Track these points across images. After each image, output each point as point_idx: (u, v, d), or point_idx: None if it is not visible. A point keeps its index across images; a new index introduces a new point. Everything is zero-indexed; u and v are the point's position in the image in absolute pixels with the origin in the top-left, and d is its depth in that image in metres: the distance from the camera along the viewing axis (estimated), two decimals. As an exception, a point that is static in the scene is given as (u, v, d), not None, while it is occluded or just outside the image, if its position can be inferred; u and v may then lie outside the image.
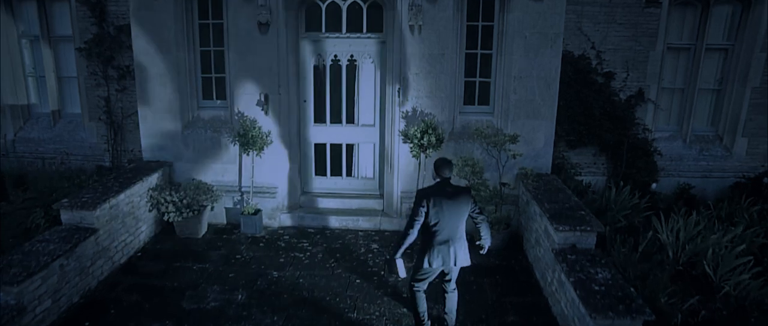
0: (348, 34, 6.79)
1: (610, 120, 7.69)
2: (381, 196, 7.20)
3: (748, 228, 6.50)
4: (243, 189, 6.95)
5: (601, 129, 7.71)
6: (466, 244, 4.27)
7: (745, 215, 6.82)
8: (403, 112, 6.56)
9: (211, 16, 6.85)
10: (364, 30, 6.79)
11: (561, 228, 4.87)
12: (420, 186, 6.52)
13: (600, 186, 7.91)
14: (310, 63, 6.91)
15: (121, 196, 5.78)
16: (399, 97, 6.51)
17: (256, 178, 6.80)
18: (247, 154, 6.58)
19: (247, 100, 6.69)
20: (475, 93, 6.90)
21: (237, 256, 6.12)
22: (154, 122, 6.89)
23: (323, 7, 6.74)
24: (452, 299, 4.49)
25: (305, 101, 7.06)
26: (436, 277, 4.44)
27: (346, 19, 6.77)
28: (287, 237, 6.69)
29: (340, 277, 5.67)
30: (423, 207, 4.08)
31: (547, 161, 6.71)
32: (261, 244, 6.46)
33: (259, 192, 6.90)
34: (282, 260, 6.04)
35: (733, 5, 7.59)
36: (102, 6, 7.92)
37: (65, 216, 5.32)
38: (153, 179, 6.51)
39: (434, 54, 6.35)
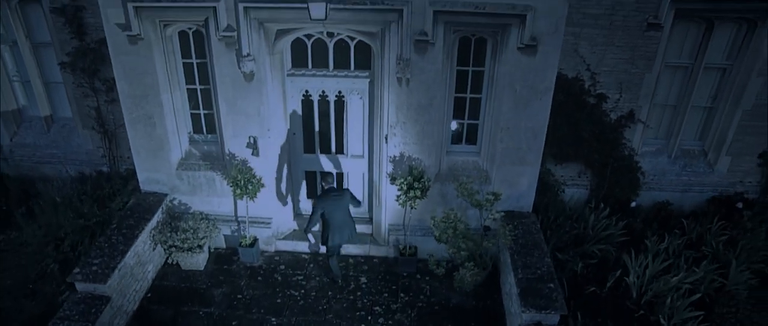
0: (335, 72, 6.64)
1: (598, 141, 7.77)
2: (370, 220, 7.57)
3: (714, 260, 6.98)
4: (239, 219, 7.31)
5: (589, 150, 7.84)
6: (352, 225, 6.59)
7: (713, 244, 7.24)
8: (390, 156, 6.68)
9: (194, 56, 6.64)
10: (352, 67, 6.63)
11: (528, 310, 5.36)
12: (407, 222, 6.93)
13: (584, 199, 8.24)
14: (298, 97, 6.85)
15: (128, 254, 6.18)
16: (386, 143, 6.58)
17: (251, 211, 7.12)
18: (242, 200, 6.83)
19: (237, 141, 6.76)
20: (463, 132, 6.93)
21: (238, 295, 6.69)
22: (148, 159, 7.02)
23: (309, 43, 6.51)
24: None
25: (294, 134, 7.12)
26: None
27: (333, 56, 6.58)
28: (283, 266, 7.20)
29: (331, 323, 6.30)
30: (319, 209, 6.33)
31: (529, 201, 6.97)
32: (259, 278, 7.00)
33: (255, 223, 7.27)
34: (279, 300, 6.62)
35: (738, 24, 7.26)
36: (79, 19, 7.59)
37: (80, 286, 5.79)
38: (153, 221, 6.84)
39: (422, 104, 6.30)
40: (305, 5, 5.58)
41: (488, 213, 6.31)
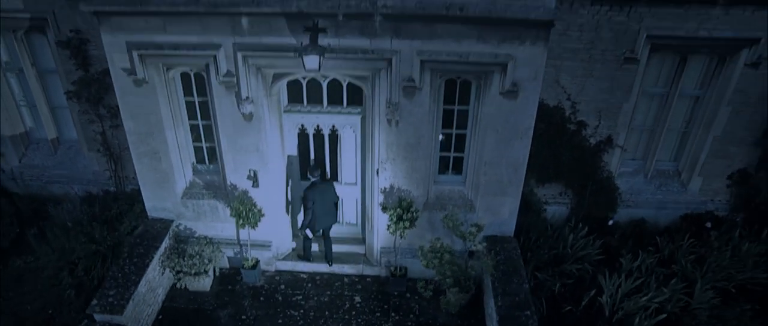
0: (329, 109, 7.05)
1: (578, 165, 8.26)
2: (363, 241, 8.09)
3: (683, 278, 7.55)
4: (241, 243, 7.81)
5: (570, 172, 8.33)
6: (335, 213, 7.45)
7: (682, 262, 7.80)
8: (381, 188, 7.14)
9: (196, 95, 7.02)
10: (345, 104, 7.04)
11: (506, 339, 5.95)
12: (397, 245, 7.45)
13: (565, 216, 8.76)
14: (294, 131, 7.27)
15: (141, 283, 6.69)
16: (377, 176, 7.04)
17: (252, 235, 7.60)
18: (244, 229, 7.31)
19: (238, 174, 7.20)
20: (450, 162, 7.39)
21: (243, 316, 7.23)
22: (154, 190, 7.47)
23: (304, 83, 6.90)
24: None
25: (292, 165, 7.56)
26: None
27: (327, 93, 6.98)
28: (283, 286, 7.74)
29: (327, 347, 6.90)
30: (310, 200, 7.07)
31: (511, 227, 7.48)
32: (261, 298, 7.54)
33: (256, 246, 7.76)
34: (280, 321, 7.18)
35: (709, 56, 7.66)
36: (84, 52, 7.92)
37: (98, 317, 6.32)
38: (162, 248, 7.32)
39: (411, 143, 6.74)
40: (299, 51, 5.96)
41: (471, 242, 6.83)
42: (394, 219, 6.91)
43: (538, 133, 7.53)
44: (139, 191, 7.84)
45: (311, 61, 5.85)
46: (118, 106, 7.82)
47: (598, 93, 7.78)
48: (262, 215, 7.27)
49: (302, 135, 7.32)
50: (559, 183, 8.54)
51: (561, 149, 8.11)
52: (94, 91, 8.18)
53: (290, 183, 7.65)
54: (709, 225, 8.30)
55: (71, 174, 9.18)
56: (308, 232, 7.42)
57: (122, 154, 8.77)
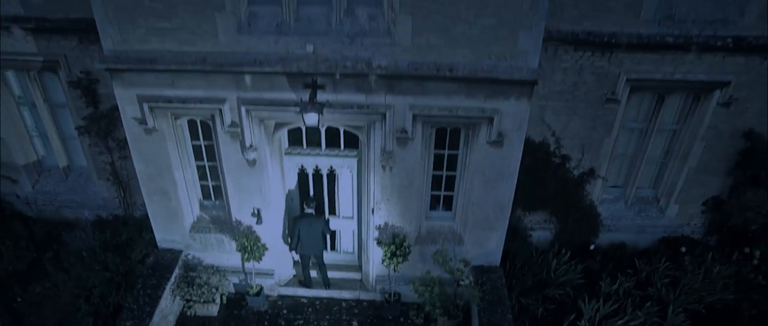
0: (327, 152, 7.54)
1: (562, 195, 8.77)
2: (360, 268, 8.64)
3: (658, 300, 8.14)
4: (246, 272, 8.35)
5: (554, 201, 8.85)
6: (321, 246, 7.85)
7: (658, 285, 8.37)
8: (376, 225, 7.66)
9: (202, 139, 7.47)
10: (342, 147, 7.51)
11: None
12: (391, 274, 8.00)
13: (550, 240, 9.32)
14: (294, 171, 7.76)
15: (155, 314, 7.25)
16: (373, 214, 7.55)
17: (256, 265, 8.14)
18: (249, 262, 7.84)
19: (242, 211, 7.70)
20: (440, 200, 7.90)
21: (249, 342, 7.85)
22: (164, 224, 7.97)
23: (303, 129, 7.36)
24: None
25: (293, 200, 8.07)
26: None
27: (325, 137, 7.44)
28: (285, 311, 8.32)
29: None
30: (296, 229, 7.58)
31: (497, 257, 8.02)
32: (266, 322, 8.12)
33: (260, 274, 8.31)
34: (283, 346, 7.79)
35: (686, 95, 8.12)
36: (94, 91, 8.33)
37: (119, 347, 6.93)
38: (173, 278, 7.86)
39: (404, 185, 7.23)
40: (299, 107, 6.41)
41: (460, 277, 7.39)
42: (389, 255, 7.45)
43: (524, 166, 8.00)
44: (147, 217, 8.32)
45: (311, 117, 6.30)
46: (126, 140, 8.29)
47: (581, 129, 8.25)
48: (266, 249, 7.79)
49: (302, 174, 7.81)
50: (545, 211, 9.07)
51: (546, 180, 8.61)
52: (103, 126, 8.61)
53: (287, 217, 8.14)
54: (683, 249, 8.87)
55: (82, 199, 9.65)
56: (294, 255, 7.97)
57: (130, 183, 9.23)
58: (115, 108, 8.28)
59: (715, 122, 8.11)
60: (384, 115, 6.61)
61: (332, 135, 7.41)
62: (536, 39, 6.09)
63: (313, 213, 7.68)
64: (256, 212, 7.63)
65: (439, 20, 5.98)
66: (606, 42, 7.37)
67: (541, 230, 9.30)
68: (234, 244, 7.96)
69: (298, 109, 6.46)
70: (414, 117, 6.60)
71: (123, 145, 8.67)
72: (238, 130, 6.86)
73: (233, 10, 6.10)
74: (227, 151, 7.13)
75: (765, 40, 7.29)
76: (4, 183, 9.58)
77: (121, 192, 9.38)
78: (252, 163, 7.17)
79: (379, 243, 7.74)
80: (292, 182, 7.88)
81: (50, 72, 8.44)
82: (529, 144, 8.14)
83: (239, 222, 7.82)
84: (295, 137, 7.50)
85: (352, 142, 7.44)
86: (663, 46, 7.39)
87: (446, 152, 7.34)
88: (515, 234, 8.93)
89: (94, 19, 6.27)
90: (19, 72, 8.53)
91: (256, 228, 7.81)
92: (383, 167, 7.06)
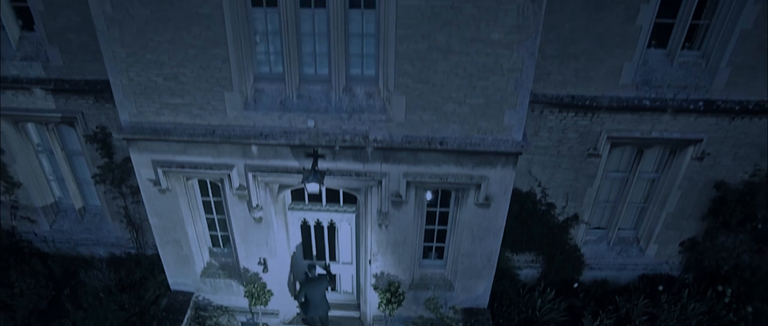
0: (328, 207, 8.11)
1: (548, 238, 9.36)
2: (358, 307, 9.25)
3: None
4: (253, 312, 8.96)
5: (541, 244, 9.44)
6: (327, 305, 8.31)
7: (636, 323, 9.00)
8: (373, 273, 8.26)
9: (211, 195, 8.04)
10: (341, 203, 8.09)
11: None
12: (387, 317, 8.61)
13: (537, 277, 9.93)
14: (297, 224, 8.35)
15: (170, 358, 7.90)
16: (370, 265, 8.15)
17: (263, 307, 8.75)
18: (255, 307, 8.45)
19: (249, 260, 8.29)
20: (432, 249, 8.49)
21: (255, 379, 8.47)
22: (176, 269, 8.56)
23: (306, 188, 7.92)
24: None
25: (295, 251, 8.66)
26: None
27: (326, 194, 8.01)
28: (289, 348, 8.97)
29: None
30: (302, 292, 8.04)
31: (485, 300, 8.63)
32: (271, 360, 8.77)
33: (266, 314, 8.93)
34: (288, 384, 8.42)
35: (662, 148, 8.68)
36: (108, 144, 8.88)
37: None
38: (185, 320, 8.47)
39: (398, 241, 7.82)
40: (302, 174, 6.98)
41: (450, 323, 8.00)
42: (384, 301, 8.05)
43: (512, 213, 8.60)
44: (158, 256, 8.91)
45: (312, 187, 6.86)
46: (138, 186, 8.86)
47: (566, 180, 8.82)
48: (272, 294, 8.40)
49: (304, 226, 8.39)
50: (532, 252, 9.66)
51: (533, 225, 9.19)
52: (117, 175, 9.18)
53: (292, 278, 8.77)
54: (661, 288, 9.48)
55: (97, 238, 10.24)
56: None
57: (142, 224, 9.82)
58: (128, 159, 8.84)
59: (690, 173, 8.68)
60: (380, 181, 7.17)
61: (332, 192, 7.98)
62: (521, 115, 6.64)
63: (316, 275, 8.20)
64: (262, 261, 8.22)
65: (431, 99, 6.53)
66: (588, 105, 7.91)
67: (528, 268, 9.90)
68: (242, 289, 8.56)
69: (301, 177, 7.03)
70: (407, 183, 7.17)
71: (135, 191, 9.24)
72: (246, 192, 7.43)
73: (240, 88, 6.65)
74: (235, 209, 7.70)
75: (732, 103, 7.84)
76: (23, 223, 10.16)
77: (134, 233, 9.96)
78: (258, 220, 7.75)
79: (375, 288, 8.34)
80: (295, 235, 8.46)
81: (68, 125, 8.98)
82: (516, 193, 8.73)
83: (247, 270, 8.41)
84: (298, 193, 8.08)
85: (350, 198, 8.01)
86: (641, 108, 7.94)
87: (438, 209, 7.92)
88: (503, 273, 9.54)
89: (109, 82, 6.77)
90: (39, 125, 9.08)
91: (263, 275, 8.40)
92: (379, 225, 7.64)
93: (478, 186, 7.17)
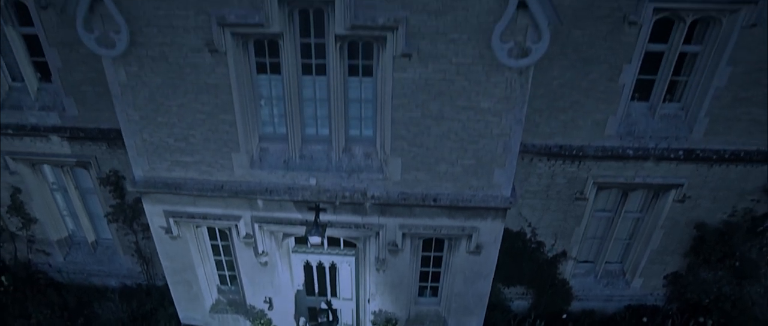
0: (329, 250, 8.60)
1: (537, 273, 9.85)
2: (358, 338, 9.79)
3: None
4: (258, 345, 9.50)
5: (531, 279, 9.94)
6: None
7: (622, 354, 9.55)
8: (371, 310, 8.77)
9: (219, 239, 8.53)
10: (342, 246, 8.57)
11: None
12: (386, 348, 9.14)
13: (527, 308, 10.43)
14: (300, 265, 8.84)
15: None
16: (368, 303, 8.65)
17: (267, 340, 9.29)
18: (261, 341, 8.99)
19: (255, 298, 8.80)
20: (427, 287, 8.99)
21: None
22: (187, 306, 9.08)
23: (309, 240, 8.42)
24: None
25: (299, 290, 9.16)
26: None
27: (327, 239, 8.49)
28: (293, 379, 9.49)
29: None
30: None
31: (478, 336, 9.17)
32: (275, 391, 9.29)
33: (270, 346, 9.46)
34: None
35: (646, 191, 9.15)
36: (121, 186, 9.36)
37: None
38: (193, 356, 9.02)
39: (395, 283, 8.31)
40: (305, 226, 7.46)
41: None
42: (382, 339, 8.58)
43: (503, 251, 9.07)
44: (167, 287, 9.42)
45: (315, 239, 7.36)
46: (148, 224, 9.35)
47: (554, 221, 9.29)
48: (276, 330, 8.93)
49: (307, 266, 8.88)
50: (522, 285, 10.16)
51: (523, 262, 9.68)
52: (129, 215, 9.66)
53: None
54: (645, 319, 9.98)
55: (108, 270, 10.74)
56: None
57: (152, 258, 10.31)
58: (139, 200, 9.34)
59: (672, 214, 9.15)
60: (378, 232, 7.66)
61: (334, 237, 8.46)
62: (509, 174, 7.11)
63: (327, 320, 8.75)
64: (268, 300, 8.73)
65: (425, 160, 7.00)
66: (575, 154, 8.37)
67: (519, 300, 10.40)
68: (249, 323, 9.08)
69: (304, 227, 7.52)
70: (403, 234, 7.65)
71: (146, 228, 9.70)
72: (252, 240, 7.92)
73: (246, 149, 7.12)
74: (242, 254, 8.19)
75: (710, 152, 8.29)
76: (39, 256, 10.66)
77: (145, 266, 10.46)
78: (264, 264, 8.25)
79: (374, 324, 8.86)
80: (299, 275, 8.94)
81: (82, 168, 9.46)
82: (507, 232, 9.21)
83: (253, 307, 8.92)
84: (301, 237, 8.55)
85: (350, 242, 8.49)
86: (625, 157, 8.40)
87: (432, 254, 8.41)
88: (495, 305, 10.04)
89: (121, 131, 7.22)
90: (55, 167, 9.55)
91: (269, 312, 8.91)
92: (377, 269, 8.14)
93: (470, 236, 7.65)
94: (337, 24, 6.04)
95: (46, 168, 9.74)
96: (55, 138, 8.87)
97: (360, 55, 6.59)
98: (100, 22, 6.24)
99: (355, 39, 6.33)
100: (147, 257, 10.34)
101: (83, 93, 8.40)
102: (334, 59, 6.43)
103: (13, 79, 8.70)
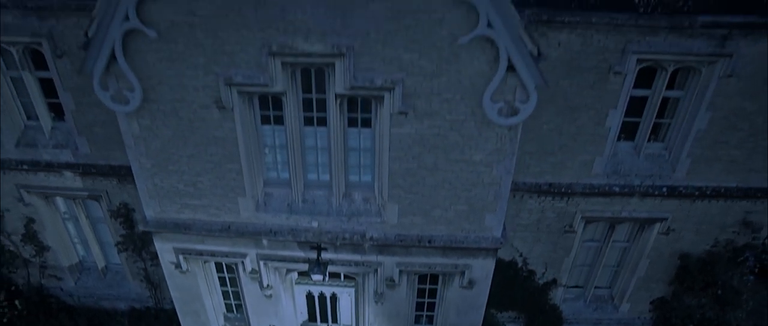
0: (330, 282, 9.05)
1: (529, 300, 10.30)
2: (359, 362, 10.25)
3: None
4: (262, 369, 9.95)
5: (523, 304, 10.39)
6: None
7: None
8: (371, 339, 9.25)
9: (226, 272, 8.98)
10: (342, 278, 9.02)
11: None
12: (385, 373, 9.60)
13: (518, 333, 10.92)
14: (303, 295, 9.30)
15: None
16: (368, 332, 9.13)
17: (271, 364, 9.74)
18: (265, 369, 9.43)
19: (260, 327, 9.27)
20: (423, 316, 9.44)
21: None
22: (194, 334, 9.54)
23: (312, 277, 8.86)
24: None
25: (303, 320, 9.62)
26: None
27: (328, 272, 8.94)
28: (296, 401, 9.95)
29: None
30: None
31: (473, 362, 9.63)
32: None
33: (274, 371, 9.93)
34: None
35: (632, 224, 9.59)
36: (130, 218, 9.79)
37: None
38: (201, 381, 9.47)
39: (393, 313, 8.77)
40: (307, 263, 7.91)
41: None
42: (381, 366, 9.04)
43: (497, 279, 9.52)
44: (175, 310, 9.87)
45: (317, 277, 7.81)
46: (156, 253, 9.77)
47: (545, 251, 9.74)
48: (280, 358, 9.39)
49: (309, 297, 9.33)
50: (515, 310, 10.62)
51: (515, 289, 10.13)
52: (138, 244, 10.09)
53: None
54: (631, 345, 10.46)
55: (118, 294, 11.19)
56: None
57: (160, 283, 10.74)
58: (147, 232, 9.76)
59: (657, 245, 9.59)
60: (376, 269, 8.10)
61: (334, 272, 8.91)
62: (499, 218, 7.54)
63: None
64: (271, 329, 9.21)
65: (420, 206, 7.43)
66: (564, 191, 8.80)
67: (512, 324, 10.86)
68: (253, 351, 9.54)
69: (306, 263, 7.96)
70: (400, 271, 8.10)
71: (154, 256, 10.10)
72: (257, 275, 8.36)
73: (252, 194, 7.54)
74: (248, 287, 8.64)
75: (693, 189, 8.73)
76: (51, 281, 11.11)
77: (153, 290, 10.91)
78: (269, 297, 8.69)
79: (373, 350, 9.33)
80: (301, 303, 9.40)
81: (93, 201, 9.88)
82: (500, 262, 9.63)
83: (257, 335, 9.39)
84: (304, 271, 8.99)
85: (351, 276, 8.94)
86: (611, 194, 8.83)
87: (427, 287, 8.86)
88: (489, 329, 10.51)
89: (131, 168, 7.62)
90: (67, 199, 9.98)
91: (272, 340, 9.38)
92: (376, 302, 8.59)
93: (463, 273, 8.10)
94: (338, 84, 6.45)
95: (59, 199, 10.16)
96: (67, 173, 9.29)
97: (359, 109, 7.00)
98: (115, 81, 6.65)
99: (355, 96, 6.74)
100: (155, 282, 10.78)
101: (95, 133, 8.82)
102: (335, 113, 6.85)
103: (28, 118, 9.10)
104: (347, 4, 5.93)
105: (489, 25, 5.89)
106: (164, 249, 8.28)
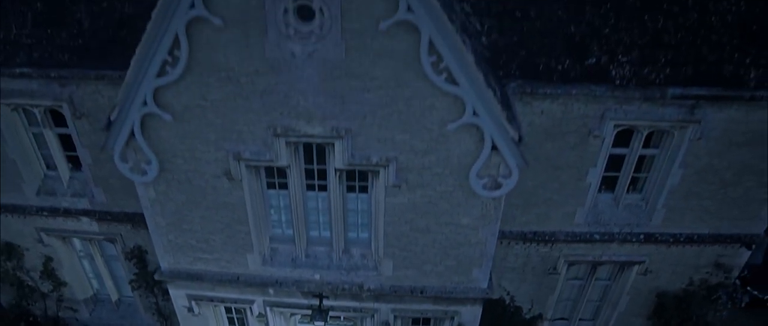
0: (331, 324, 9.71)
1: (517, 334, 11.02)
2: (357, 390, 10.97)
3: None
4: (267, 398, 10.68)
5: (511, 338, 11.11)
6: None
7: None
8: (370, 373, 9.95)
9: (234, 313, 9.66)
10: (342, 319, 9.71)
11: None
12: None
13: (508, 359, 11.62)
14: (305, 339, 10.01)
15: None
16: (367, 367, 9.84)
17: (276, 394, 10.47)
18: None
19: (265, 362, 9.97)
20: (419, 350, 10.18)
21: None
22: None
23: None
24: None
25: (304, 349, 10.35)
26: None
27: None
28: None
29: None
30: None
31: (464, 392, 10.34)
32: None
33: (278, 399, 10.65)
34: None
35: (613, 265, 10.26)
36: (143, 259, 10.45)
37: None
38: None
39: (389, 351, 9.48)
40: (310, 310, 8.59)
41: None
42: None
43: (485, 316, 10.23)
44: None
45: (319, 323, 8.48)
46: (167, 290, 10.42)
47: (531, 289, 10.42)
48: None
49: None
50: (504, 342, 11.34)
51: (503, 325, 10.83)
52: (150, 282, 10.75)
53: None
54: (613, 373, 11.18)
55: (131, 325, 11.88)
56: None
57: (171, 316, 11.44)
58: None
59: (636, 284, 10.27)
60: (373, 314, 8.78)
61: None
62: (486, 271, 8.22)
63: None
64: (275, 358, 9.90)
65: (413, 262, 8.09)
66: (548, 239, 9.45)
67: (501, 352, 11.59)
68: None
69: (309, 308, 8.65)
70: (394, 316, 8.78)
71: (166, 292, 10.80)
72: (265, 319, 9.04)
73: (259, 250, 8.20)
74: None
75: (668, 235, 9.36)
76: (67, 312, 11.79)
77: (164, 322, 11.60)
78: (271, 333, 9.41)
79: (372, 381, 10.03)
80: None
81: (108, 242, 10.54)
82: (489, 301, 10.32)
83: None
84: (306, 315, 9.68)
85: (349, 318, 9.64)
86: (592, 240, 9.49)
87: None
88: (480, 358, 11.21)
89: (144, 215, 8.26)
90: (84, 242, 10.64)
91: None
92: (374, 338, 9.30)
93: (452, 318, 8.78)
94: (337, 160, 7.09)
95: (76, 240, 10.81)
96: (84, 219, 9.94)
97: (357, 178, 7.64)
98: (134, 154, 7.28)
99: (353, 169, 7.37)
100: (166, 315, 11.46)
101: (111, 184, 9.43)
102: (334, 183, 7.48)
103: (48, 168, 9.72)
104: (346, 92, 6.54)
105: (474, 113, 6.50)
106: (178, 295, 8.96)
